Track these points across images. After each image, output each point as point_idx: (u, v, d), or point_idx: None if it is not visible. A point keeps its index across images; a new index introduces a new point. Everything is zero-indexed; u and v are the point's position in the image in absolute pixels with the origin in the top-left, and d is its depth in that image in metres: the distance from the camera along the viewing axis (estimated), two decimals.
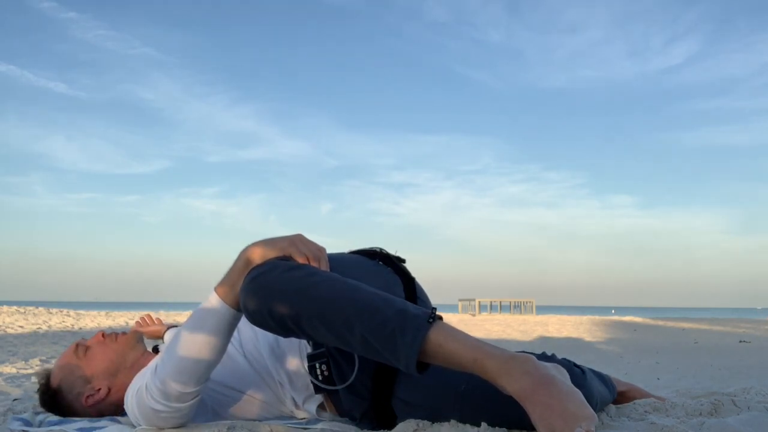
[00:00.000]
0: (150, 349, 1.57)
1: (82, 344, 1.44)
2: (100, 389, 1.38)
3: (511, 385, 0.88)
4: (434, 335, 0.92)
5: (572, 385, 0.89)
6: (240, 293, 1.07)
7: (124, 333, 1.48)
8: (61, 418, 1.36)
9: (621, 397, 1.49)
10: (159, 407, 1.13)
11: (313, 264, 1.10)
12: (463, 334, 0.94)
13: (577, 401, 0.85)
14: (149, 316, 2.12)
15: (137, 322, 2.10)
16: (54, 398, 1.40)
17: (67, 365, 1.41)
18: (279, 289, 1.01)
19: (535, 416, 0.84)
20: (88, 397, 1.38)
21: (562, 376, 0.91)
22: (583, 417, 0.82)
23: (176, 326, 1.97)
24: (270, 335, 1.32)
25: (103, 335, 1.46)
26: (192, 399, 1.13)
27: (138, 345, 1.46)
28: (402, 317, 0.94)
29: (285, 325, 1.02)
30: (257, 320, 1.04)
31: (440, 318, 0.96)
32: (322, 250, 1.14)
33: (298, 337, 1.06)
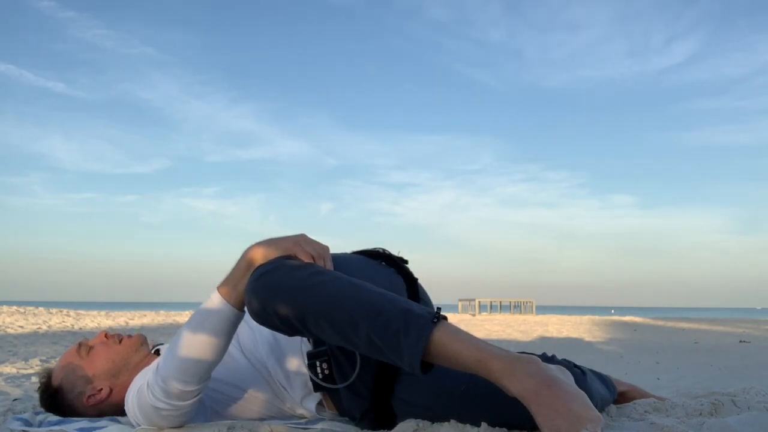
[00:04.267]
0: (152, 352, 1.56)
1: (84, 344, 1.43)
2: (101, 389, 1.38)
3: (515, 386, 0.88)
4: (438, 335, 0.92)
5: (577, 386, 0.89)
6: (245, 292, 1.07)
7: (129, 336, 1.46)
8: (61, 418, 1.36)
9: (621, 397, 1.49)
10: (160, 405, 1.13)
11: (318, 263, 1.10)
12: (467, 334, 0.94)
13: (582, 403, 0.85)
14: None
15: None
16: (54, 397, 1.40)
17: (69, 365, 1.40)
18: (284, 288, 1.01)
19: (540, 418, 0.84)
20: (89, 396, 1.38)
21: (566, 377, 0.91)
22: (588, 418, 0.82)
23: (162, 344, 1.88)
24: (269, 333, 1.32)
25: (106, 335, 1.44)
26: (193, 397, 1.14)
27: (142, 348, 1.45)
28: (406, 317, 0.94)
29: (290, 324, 1.02)
30: (262, 319, 1.04)
31: (445, 318, 0.97)
32: (325, 249, 1.14)
33: (303, 335, 1.06)
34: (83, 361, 1.40)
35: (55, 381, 1.41)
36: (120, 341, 1.44)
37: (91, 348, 1.42)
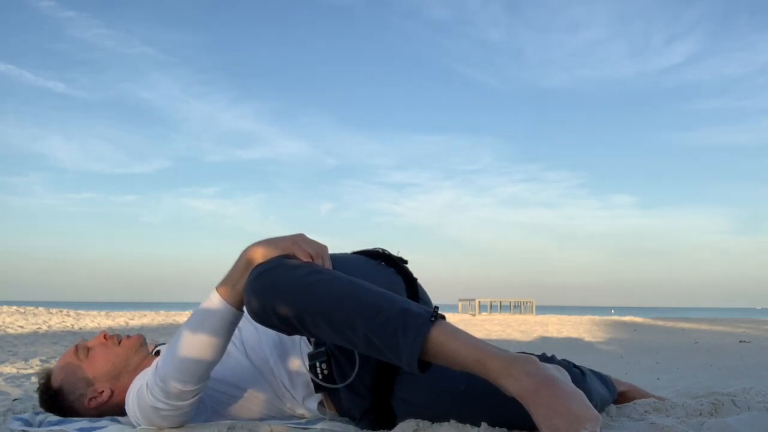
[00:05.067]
0: (152, 353, 1.56)
1: (83, 345, 1.42)
2: (103, 391, 1.38)
3: (514, 385, 0.88)
4: (436, 334, 0.93)
5: (575, 386, 0.89)
6: (243, 292, 1.07)
7: (128, 336, 1.46)
8: (61, 418, 1.36)
9: (621, 397, 1.49)
10: (160, 405, 1.13)
11: (317, 262, 1.10)
12: (465, 333, 0.94)
13: (581, 402, 0.85)
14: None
15: None
16: (55, 399, 1.40)
17: (69, 366, 1.40)
18: (282, 287, 1.01)
19: (539, 417, 0.84)
20: (91, 399, 1.38)
21: (564, 377, 0.91)
22: (587, 418, 0.82)
23: (164, 344, 1.89)
24: (273, 333, 1.32)
25: (105, 336, 1.44)
26: (193, 397, 1.14)
27: (142, 349, 1.45)
28: (404, 316, 0.95)
29: (289, 324, 1.02)
30: (261, 318, 1.04)
31: (443, 317, 0.97)
32: (324, 248, 1.14)
33: (301, 334, 1.06)
34: (83, 363, 1.39)
35: (55, 383, 1.40)
36: (119, 342, 1.43)
37: (90, 349, 1.42)
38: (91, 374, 1.39)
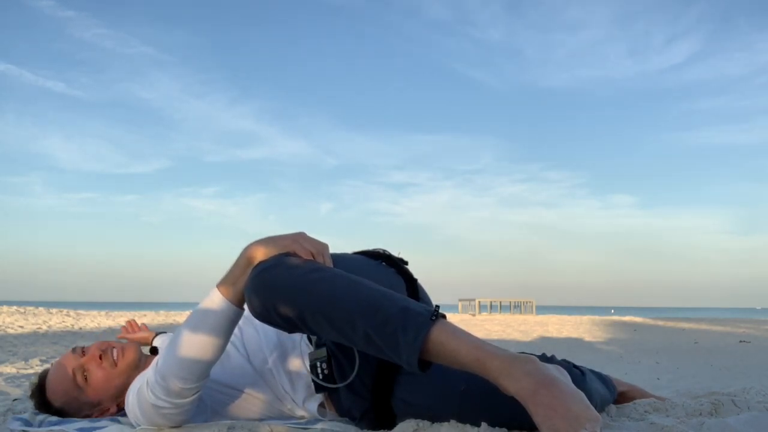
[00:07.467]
0: (151, 343, 1.55)
1: (79, 367, 1.38)
2: (109, 408, 1.40)
3: (513, 385, 0.88)
4: (436, 333, 0.92)
5: (575, 386, 0.89)
6: (244, 290, 1.07)
7: (122, 351, 1.41)
8: (61, 419, 1.36)
9: (621, 397, 1.49)
10: (160, 403, 1.13)
11: (318, 260, 1.10)
12: (465, 333, 0.94)
13: (581, 402, 0.85)
14: (134, 321, 1.97)
15: (123, 327, 1.95)
16: (59, 414, 1.40)
17: (70, 393, 1.38)
18: (283, 285, 1.02)
19: (539, 417, 0.84)
20: (99, 416, 1.39)
21: (564, 377, 0.91)
22: (587, 418, 0.82)
23: (165, 333, 1.87)
24: (274, 334, 1.33)
25: (100, 357, 1.39)
26: (193, 395, 1.14)
27: (140, 363, 1.42)
28: (404, 315, 0.95)
29: (290, 321, 1.02)
30: (262, 317, 1.04)
31: (443, 316, 0.97)
32: (325, 246, 1.14)
33: (302, 332, 1.06)
34: (84, 388, 1.38)
35: (56, 403, 1.40)
36: (116, 363, 1.39)
37: (87, 372, 1.38)
38: (94, 399, 1.39)
